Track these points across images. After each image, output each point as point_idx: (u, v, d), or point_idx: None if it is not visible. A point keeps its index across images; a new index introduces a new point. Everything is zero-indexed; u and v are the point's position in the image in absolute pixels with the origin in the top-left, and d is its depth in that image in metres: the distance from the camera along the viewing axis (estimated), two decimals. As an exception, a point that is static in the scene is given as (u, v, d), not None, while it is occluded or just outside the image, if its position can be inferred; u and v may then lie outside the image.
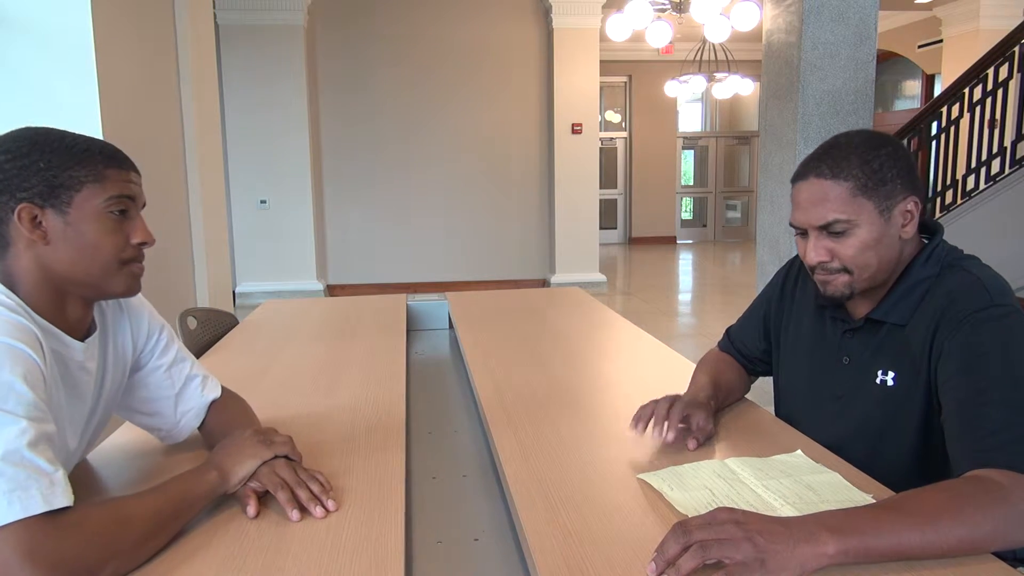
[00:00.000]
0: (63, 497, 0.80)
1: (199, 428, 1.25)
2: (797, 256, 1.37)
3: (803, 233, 1.17)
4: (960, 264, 1.13)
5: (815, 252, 1.14)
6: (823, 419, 1.26)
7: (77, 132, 0.99)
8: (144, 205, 1.03)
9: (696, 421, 1.21)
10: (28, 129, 0.96)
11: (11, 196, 0.91)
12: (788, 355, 1.36)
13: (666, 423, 1.20)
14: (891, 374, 1.14)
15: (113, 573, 0.82)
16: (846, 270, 1.13)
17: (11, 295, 0.92)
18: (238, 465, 1.01)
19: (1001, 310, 1.04)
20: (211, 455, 1.04)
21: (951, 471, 1.01)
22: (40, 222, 0.93)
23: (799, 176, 1.16)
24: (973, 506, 0.87)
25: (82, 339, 1.02)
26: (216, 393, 1.25)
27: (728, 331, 1.53)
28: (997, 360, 1.01)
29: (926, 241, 1.19)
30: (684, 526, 0.82)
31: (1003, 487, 0.90)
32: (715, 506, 0.96)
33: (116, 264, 0.98)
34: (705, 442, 1.22)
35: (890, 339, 1.16)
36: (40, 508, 0.77)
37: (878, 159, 1.10)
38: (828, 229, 1.12)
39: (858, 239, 1.10)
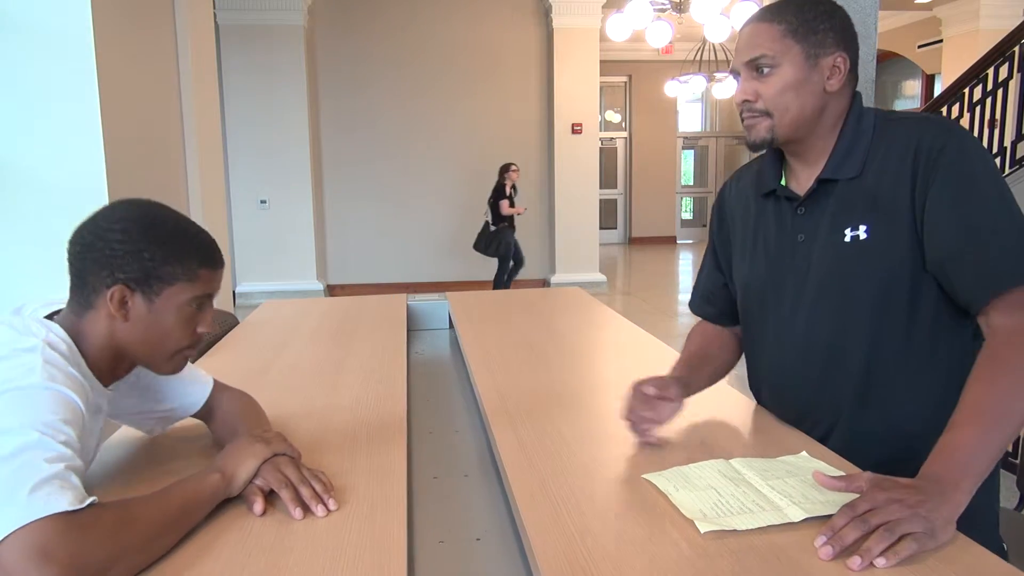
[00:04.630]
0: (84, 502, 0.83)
1: (207, 423, 1.27)
2: (725, 181, 1.42)
3: (738, 76, 1.21)
4: (899, 115, 1.18)
5: (741, 91, 1.18)
6: (789, 305, 1.23)
7: (187, 218, 1.06)
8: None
9: (661, 413, 1.22)
10: (146, 209, 1.03)
11: (111, 274, 0.98)
12: (742, 263, 1.33)
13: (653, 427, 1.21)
14: (862, 227, 1.13)
15: (122, 573, 0.84)
16: (767, 113, 1.16)
17: (72, 347, 0.97)
18: (240, 466, 1.03)
19: (961, 135, 1.09)
20: (215, 459, 1.05)
21: (920, 325, 1.11)
22: (127, 303, 0.99)
23: (744, 24, 1.21)
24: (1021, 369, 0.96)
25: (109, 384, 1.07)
26: (204, 393, 1.25)
27: (692, 300, 1.50)
28: (982, 186, 1.06)
29: None
30: (859, 514, 0.86)
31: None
32: (720, 507, 0.96)
33: (177, 349, 1.05)
34: (673, 416, 1.24)
35: (850, 195, 1.15)
36: (62, 507, 0.80)
37: (813, 11, 1.15)
38: (755, 66, 1.15)
39: (780, 79, 1.14)
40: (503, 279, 7.31)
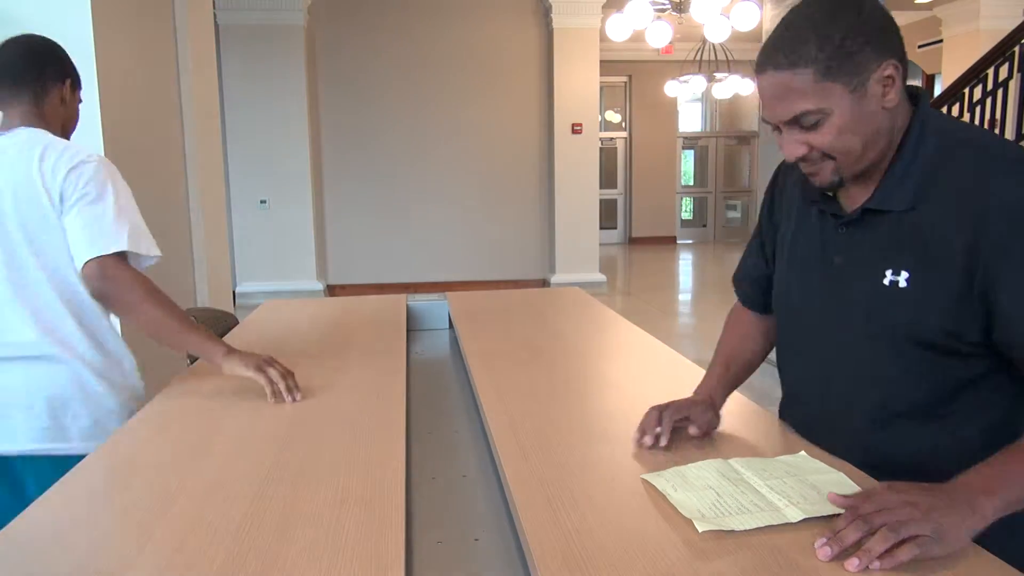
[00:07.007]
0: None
1: None
2: (779, 166, 1.26)
3: (777, 128, 1.04)
4: (966, 136, 1.03)
5: (790, 148, 1.03)
6: (818, 324, 1.15)
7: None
8: None
9: (695, 420, 1.21)
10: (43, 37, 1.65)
11: (61, 79, 1.62)
12: (780, 266, 1.22)
13: (658, 429, 1.19)
14: (904, 273, 1.01)
15: (148, 311, 1.51)
16: (828, 156, 1.01)
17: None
18: (238, 367, 1.52)
19: None
20: (234, 354, 1.55)
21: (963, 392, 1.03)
22: (65, 99, 1.62)
23: (759, 67, 1.02)
24: None
25: None
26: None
27: (735, 277, 1.39)
28: None
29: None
30: (862, 514, 0.84)
31: None
32: (719, 507, 0.96)
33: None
34: (709, 435, 1.23)
35: (897, 231, 1.02)
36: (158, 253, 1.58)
37: (839, 31, 0.95)
38: (798, 123, 1.00)
39: (833, 126, 0.98)
40: None
